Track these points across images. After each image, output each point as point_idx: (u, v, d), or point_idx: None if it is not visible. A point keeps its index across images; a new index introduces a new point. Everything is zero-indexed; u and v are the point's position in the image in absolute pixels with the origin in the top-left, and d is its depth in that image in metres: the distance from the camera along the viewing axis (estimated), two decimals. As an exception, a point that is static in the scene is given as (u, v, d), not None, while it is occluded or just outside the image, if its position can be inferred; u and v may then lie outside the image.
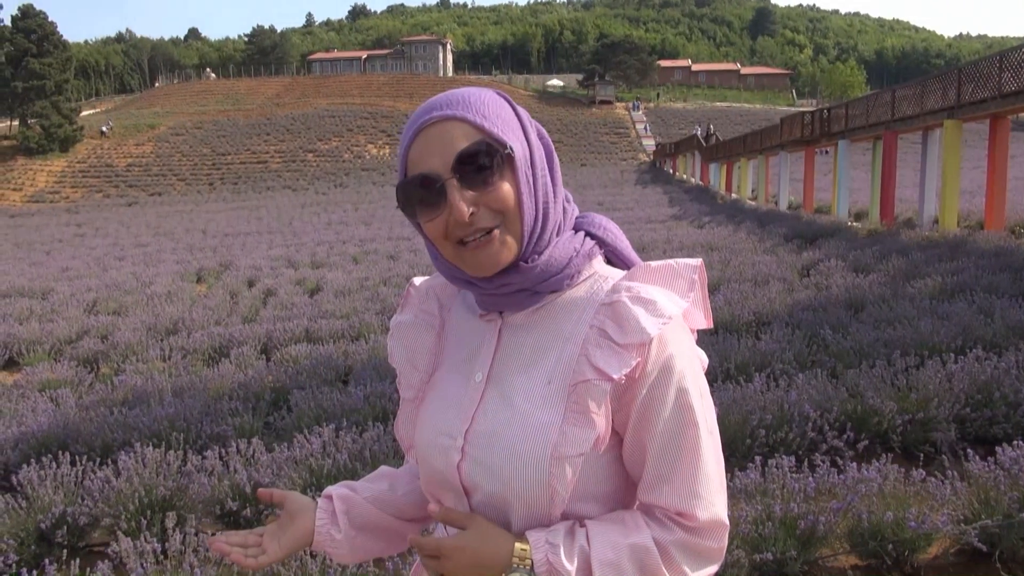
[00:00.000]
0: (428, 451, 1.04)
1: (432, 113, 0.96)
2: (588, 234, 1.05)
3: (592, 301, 0.99)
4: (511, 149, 0.95)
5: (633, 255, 1.08)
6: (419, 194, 0.95)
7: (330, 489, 1.18)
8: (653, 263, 1.00)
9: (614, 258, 1.07)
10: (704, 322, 1.03)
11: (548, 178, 1.00)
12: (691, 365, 0.97)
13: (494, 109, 0.97)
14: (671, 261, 1.00)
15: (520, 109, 1.02)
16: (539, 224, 0.98)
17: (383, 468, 1.25)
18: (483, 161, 0.93)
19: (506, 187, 0.95)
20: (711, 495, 0.96)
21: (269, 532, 1.13)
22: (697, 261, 1.01)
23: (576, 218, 1.06)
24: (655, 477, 0.96)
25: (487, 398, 1.00)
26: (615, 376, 0.93)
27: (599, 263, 1.05)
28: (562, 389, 0.96)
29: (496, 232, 0.95)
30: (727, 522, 0.98)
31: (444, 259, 1.01)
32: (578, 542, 0.94)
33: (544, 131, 1.04)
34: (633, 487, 1.01)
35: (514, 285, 0.99)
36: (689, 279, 0.99)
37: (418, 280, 1.18)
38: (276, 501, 1.16)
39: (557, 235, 1.01)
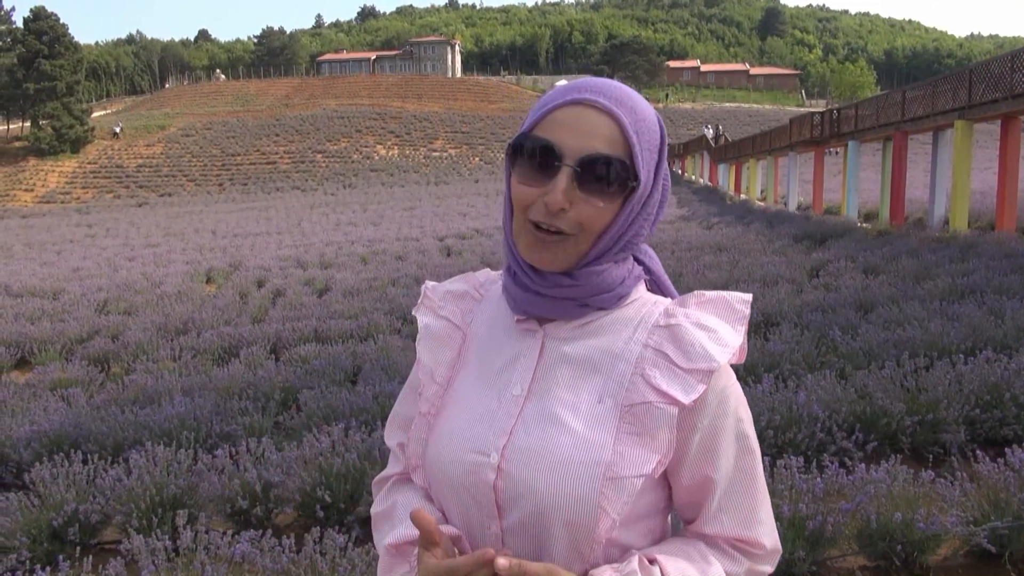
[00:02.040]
0: (452, 469, 0.96)
1: (599, 98, 0.92)
2: (635, 259, 1.03)
3: (643, 322, 0.97)
4: (637, 183, 0.93)
5: (671, 286, 1.08)
6: (532, 157, 0.92)
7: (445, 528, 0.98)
8: (707, 292, 0.99)
9: (653, 287, 1.06)
10: (739, 356, 0.98)
11: (652, 219, 1.00)
12: (741, 395, 0.97)
13: (648, 132, 0.94)
14: (724, 293, 0.99)
15: (666, 143, 0.99)
16: (614, 250, 0.96)
17: (408, 489, 1.08)
18: (608, 176, 0.90)
19: (606, 210, 0.92)
20: (771, 520, 0.98)
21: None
22: (749, 296, 0.99)
23: None
24: (718, 508, 0.95)
25: (527, 413, 0.95)
26: (684, 401, 0.90)
27: (644, 288, 1.04)
28: (614, 409, 0.92)
29: (566, 239, 0.93)
30: (781, 548, 1.00)
31: (512, 228, 0.98)
32: None
33: (669, 174, 1.02)
34: (663, 512, 1.00)
35: (564, 291, 0.96)
36: (742, 313, 0.97)
37: (431, 284, 1.12)
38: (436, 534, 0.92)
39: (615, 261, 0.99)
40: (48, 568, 3.14)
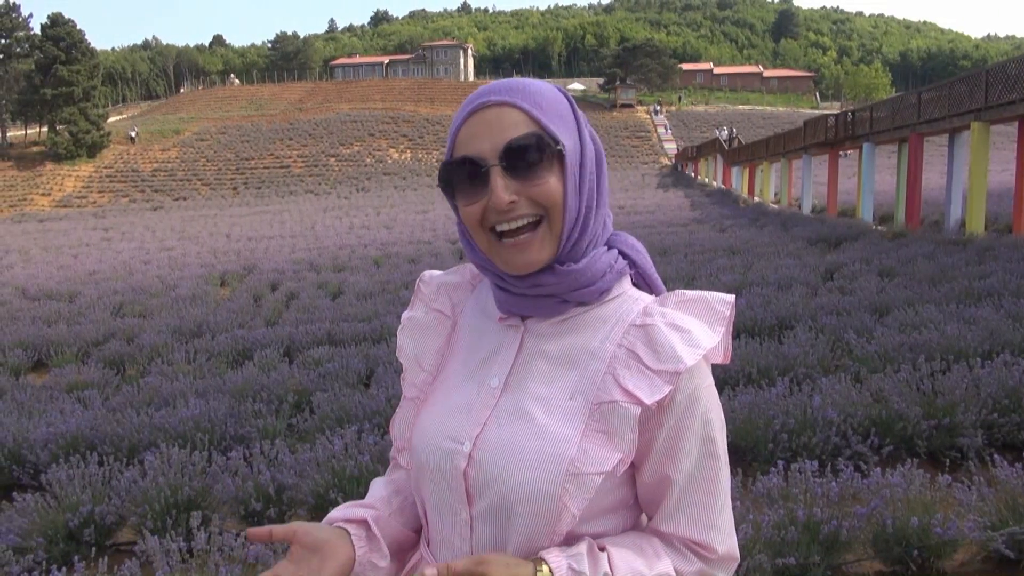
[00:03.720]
0: (429, 454, 1.00)
1: (488, 97, 0.94)
2: (621, 253, 1.03)
3: (621, 320, 0.97)
4: (563, 146, 0.93)
5: (659, 281, 1.06)
6: (462, 177, 0.94)
7: (352, 512, 1.07)
8: (688, 292, 0.98)
9: (640, 281, 1.05)
10: (722, 357, 0.99)
11: (595, 183, 0.98)
12: (714, 398, 0.96)
13: (552, 103, 0.95)
14: (705, 293, 0.98)
15: (578, 109, 0.99)
16: (578, 228, 0.96)
17: (378, 481, 1.17)
18: (532, 154, 0.91)
19: (553, 182, 0.93)
20: (728, 527, 0.97)
21: (285, 571, 0.96)
22: (731, 297, 0.98)
23: (610, 235, 1.04)
24: (675, 507, 0.95)
25: (502, 405, 0.97)
26: (647, 401, 0.91)
27: (628, 284, 1.03)
28: (584, 406, 0.93)
29: (539, 229, 0.93)
30: (739, 556, 0.99)
31: (478, 254, 1.00)
32: (601, 569, 0.91)
33: (596, 136, 1.01)
34: (632, 508, 1.00)
35: (546, 288, 0.97)
36: (722, 314, 0.96)
37: (428, 274, 1.15)
38: (278, 538, 0.99)
39: (594, 247, 0.99)
40: (64, 568, 3.16)
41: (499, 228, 0.94)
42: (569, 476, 0.90)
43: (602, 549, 0.94)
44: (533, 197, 0.92)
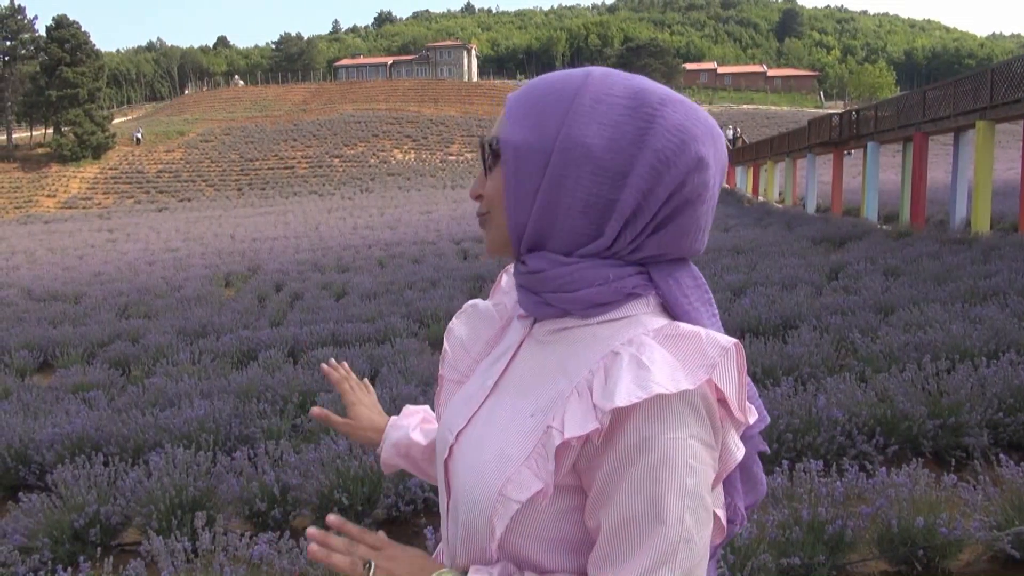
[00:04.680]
0: (439, 439, 1.04)
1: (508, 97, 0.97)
2: (647, 274, 0.91)
3: (608, 345, 0.87)
4: (496, 144, 0.92)
5: (693, 313, 0.91)
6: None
7: (396, 435, 1.27)
8: (683, 326, 0.85)
9: (671, 312, 0.92)
10: (740, 415, 0.85)
11: (581, 183, 0.86)
12: (681, 452, 0.80)
13: (542, 92, 0.90)
14: (701, 331, 0.84)
15: (596, 94, 0.87)
16: (532, 224, 0.89)
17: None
18: (485, 151, 0.95)
19: (493, 182, 0.94)
20: None
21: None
22: (730, 342, 0.83)
23: (662, 260, 0.91)
24: (603, 558, 0.83)
25: (485, 406, 0.96)
26: (567, 434, 0.82)
27: (646, 308, 0.90)
28: (540, 426, 0.87)
29: (488, 218, 0.96)
30: None
31: None
32: None
33: (669, 150, 0.85)
34: (585, 548, 0.88)
35: (520, 277, 0.96)
36: (711, 359, 0.81)
37: (511, 267, 1.09)
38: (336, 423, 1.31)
39: (596, 254, 0.89)
40: (70, 568, 3.17)
41: None
42: (500, 497, 0.86)
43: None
44: (485, 194, 0.96)
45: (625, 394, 0.79)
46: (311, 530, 0.92)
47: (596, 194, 0.86)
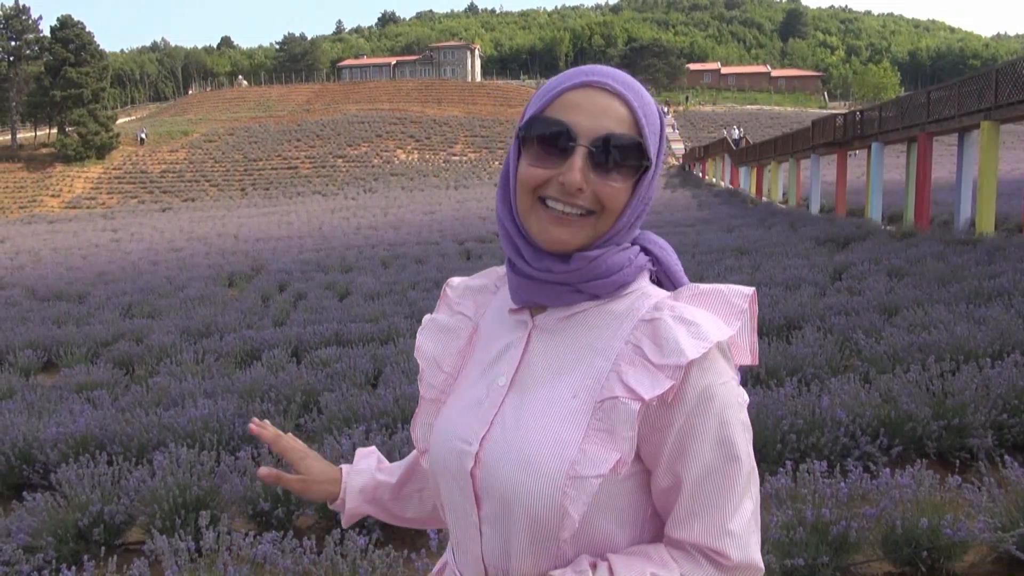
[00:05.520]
0: (443, 455, 1.00)
1: (608, 80, 0.93)
2: (643, 249, 1.01)
3: (631, 316, 0.94)
4: (649, 163, 0.94)
5: (684, 278, 1.02)
6: (547, 138, 0.92)
7: (360, 480, 1.24)
8: (703, 285, 0.95)
9: (664, 279, 1.02)
10: (749, 358, 0.96)
11: (650, 201, 1.00)
12: (733, 396, 0.91)
13: (653, 117, 0.96)
14: (721, 286, 0.94)
15: (665, 129, 1.00)
16: (625, 230, 0.96)
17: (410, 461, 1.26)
18: (622, 157, 0.92)
19: (623, 189, 0.93)
20: (746, 535, 0.90)
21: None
22: (750, 289, 0.94)
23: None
24: (688, 512, 0.90)
25: (508, 404, 0.96)
26: (646, 397, 0.87)
27: (646, 280, 1.00)
28: (587, 405, 0.90)
29: (590, 219, 0.93)
30: (762, 566, 0.92)
31: (513, 214, 0.98)
32: None
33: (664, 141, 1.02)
34: (655, 516, 0.95)
35: (556, 275, 0.95)
36: (739, 307, 0.92)
37: (455, 280, 1.15)
38: (276, 447, 1.25)
39: (616, 243, 0.98)
40: (74, 568, 3.17)
41: (550, 203, 0.93)
42: (569, 479, 0.87)
43: (604, 560, 0.90)
44: (599, 193, 0.92)
45: (692, 347, 0.87)
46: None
47: (653, 190, 1.00)
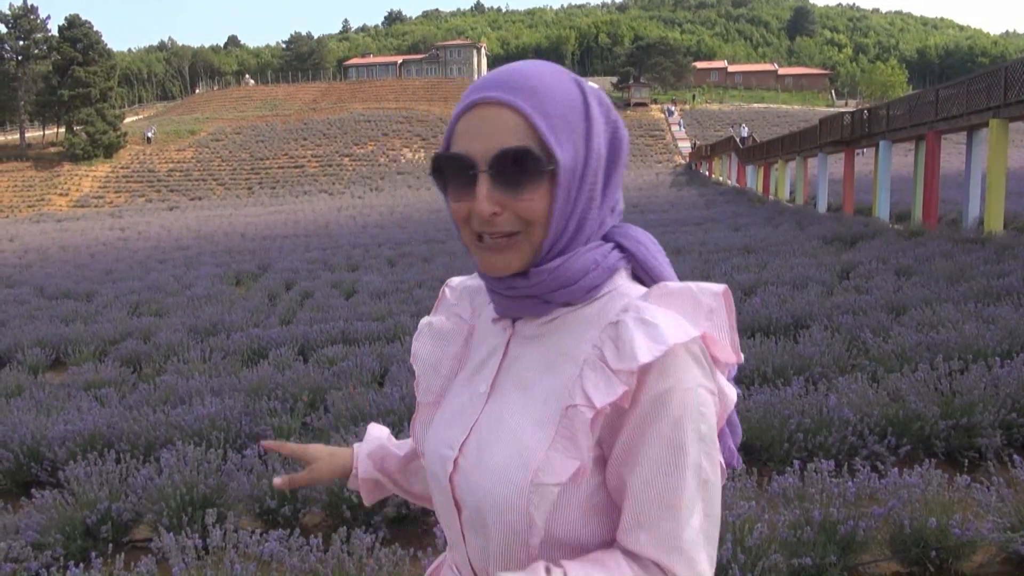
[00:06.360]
0: (432, 459, 1.00)
1: (493, 93, 0.88)
2: (618, 246, 0.95)
3: (602, 320, 0.91)
4: (556, 164, 0.87)
5: (668, 273, 0.96)
6: (452, 172, 0.90)
7: (369, 447, 1.28)
8: (671, 284, 0.91)
9: (644, 276, 0.96)
10: (734, 356, 0.90)
11: (598, 187, 0.92)
12: (694, 401, 0.85)
13: (559, 104, 0.89)
14: (691, 284, 0.90)
15: (594, 103, 0.92)
16: (567, 235, 0.91)
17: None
18: (520, 168, 0.86)
19: (539, 199, 0.88)
20: (694, 551, 0.84)
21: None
22: (720, 287, 0.90)
23: (611, 228, 0.97)
24: (633, 520, 0.86)
25: (486, 411, 0.95)
26: (598, 404, 0.84)
27: (623, 279, 0.95)
28: (556, 412, 0.89)
29: (516, 238, 0.89)
30: None
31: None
32: None
33: (620, 125, 0.95)
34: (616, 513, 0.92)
35: (520, 290, 0.93)
36: (708, 306, 0.88)
37: (454, 280, 1.14)
38: (290, 454, 1.29)
39: (584, 244, 0.93)
40: (81, 565, 3.19)
41: (478, 231, 0.91)
42: (534, 487, 0.86)
43: (559, 566, 0.87)
44: (516, 211, 0.88)
45: (645, 351, 0.83)
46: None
47: (600, 190, 0.93)
